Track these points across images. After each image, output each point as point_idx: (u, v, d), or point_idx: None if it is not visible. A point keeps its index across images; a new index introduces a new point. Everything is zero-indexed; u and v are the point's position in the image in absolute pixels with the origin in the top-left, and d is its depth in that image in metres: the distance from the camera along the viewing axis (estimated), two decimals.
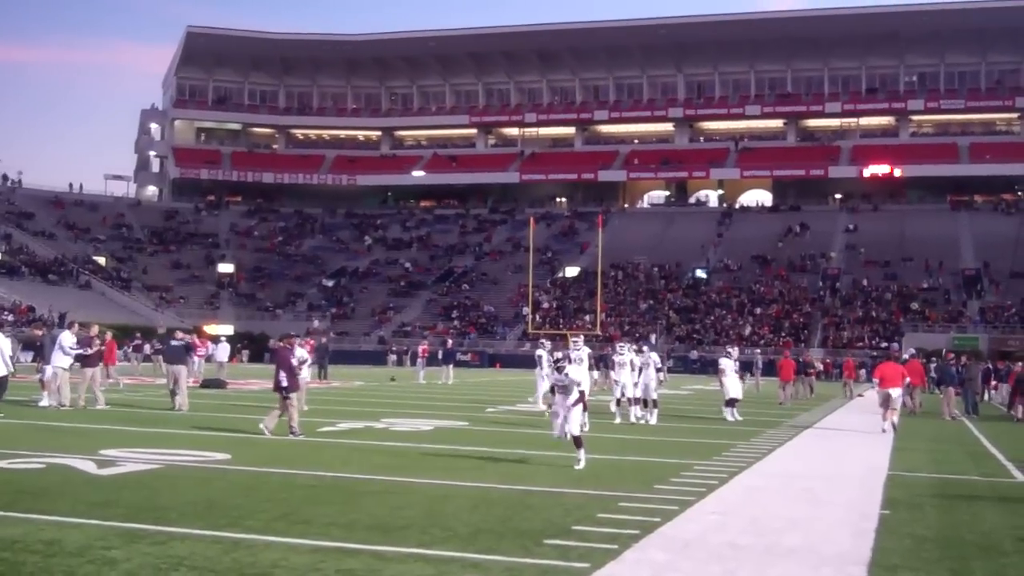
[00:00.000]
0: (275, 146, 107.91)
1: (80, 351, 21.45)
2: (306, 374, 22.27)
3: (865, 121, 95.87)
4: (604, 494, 10.87)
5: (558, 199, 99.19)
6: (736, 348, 28.65)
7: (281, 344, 18.02)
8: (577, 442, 13.42)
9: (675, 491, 11.14)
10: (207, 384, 31.47)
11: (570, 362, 15.65)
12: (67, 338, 21.27)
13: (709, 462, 14.19)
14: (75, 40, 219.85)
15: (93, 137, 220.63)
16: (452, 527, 8.78)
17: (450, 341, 51.64)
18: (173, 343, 22.92)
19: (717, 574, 7.26)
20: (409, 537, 8.25)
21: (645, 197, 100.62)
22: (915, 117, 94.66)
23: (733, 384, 23.47)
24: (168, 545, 7.67)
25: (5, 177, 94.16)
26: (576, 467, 13.05)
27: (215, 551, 7.53)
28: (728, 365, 23.66)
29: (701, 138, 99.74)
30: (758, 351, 50.04)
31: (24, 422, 18.21)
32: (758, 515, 9.82)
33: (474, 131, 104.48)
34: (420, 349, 47.80)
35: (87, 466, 12.08)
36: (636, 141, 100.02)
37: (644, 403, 21.74)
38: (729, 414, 22.99)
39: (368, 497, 10.47)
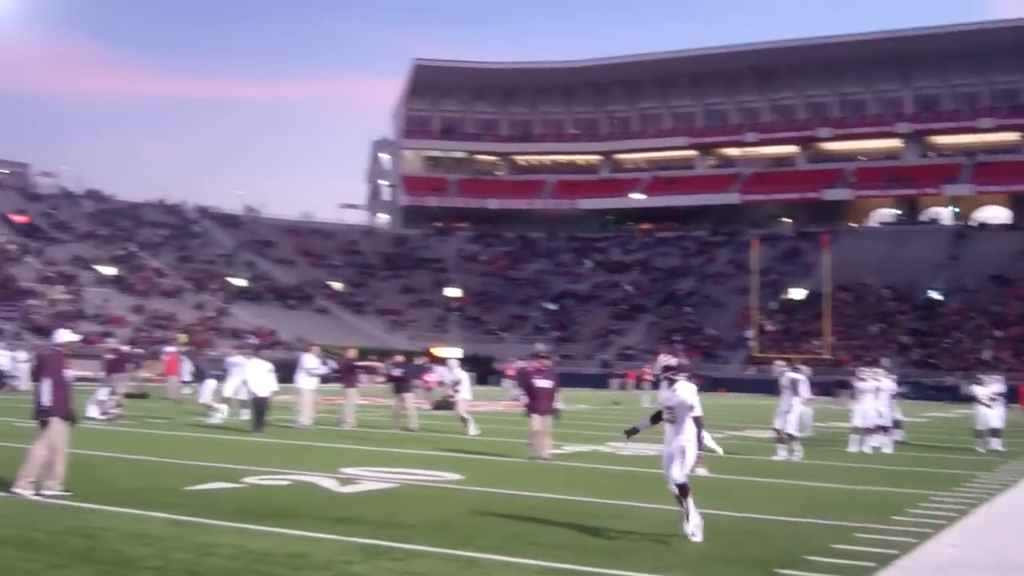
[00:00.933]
0: (498, 172, 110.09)
1: (322, 372, 22.58)
2: (466, 394, 22.74)
3: None
4: (839, 524, 10.65)
5: (781, 219, 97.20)
6: (988, 375, 26.66)
7: (525, 365, 18.46)
8: (683, 491, 9.65)
9: (913, 523, 10.80)
10: (439, 406, 32.32)
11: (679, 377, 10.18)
12: (309, 360, 22.39)
13: (949, 493, 13.66)
14: (311, 76, 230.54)
15: (328, 168, 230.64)
16: (683, 552, 8.81)
17: (648, 366, 51.06)
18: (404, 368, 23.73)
19: None
20: (641, 562, 8.33)
21: (873, 215, 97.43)
22: None
23: (989, 413, 22.26)
24: (407, 562, 7.99)
25: (249, 209, 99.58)
26: (691, 536, 9.43)
27: (451, 568, 7.81)
28: (981, 392, 22.60)
29: (931, 153, 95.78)
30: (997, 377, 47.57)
31: (273, 441, 19.23)
32: (998, 549, 9.44)
33: (693, 152, 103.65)
34: (643, 372, 47.69)
35: (329, 483, 12.68)
36: (862, 158, 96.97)
37: (884, 430, 21.07)
38: (979, 445, 21.91)
39: (597, 520, 10.59)
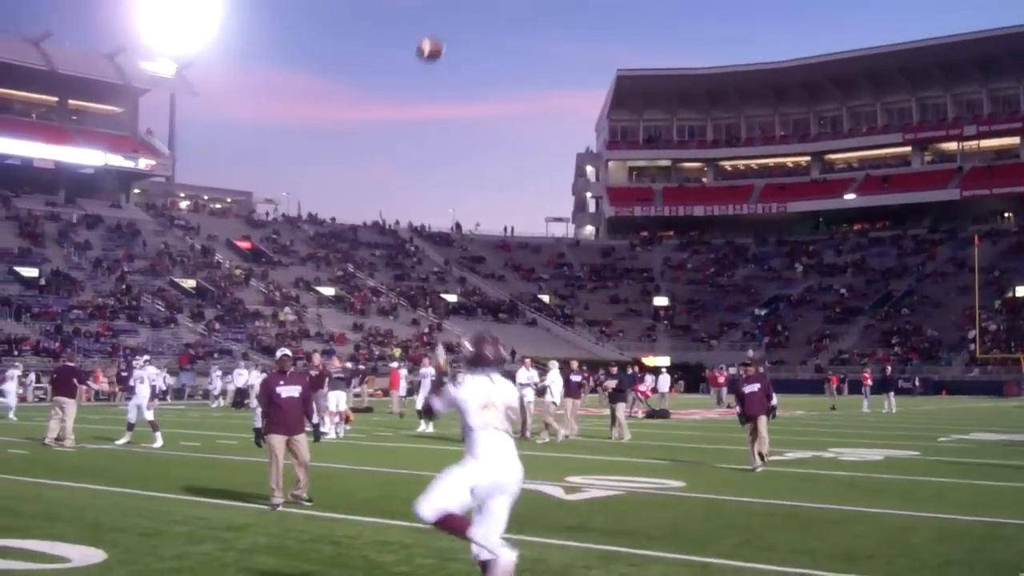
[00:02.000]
0: (704, 179, 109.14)
1: (532, 384, 22.98)
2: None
3: None
4: None
5: (1004, 214, 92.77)
6: None
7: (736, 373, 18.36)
8: None
9: None
10: (652, 415, 32.40)
11: None
12: (521, 374, 22.88)
13: None
14: (516, 93, 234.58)
15: (534, 182, 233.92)
16: (919, 557, 8.69)
17: (888, 368, 49.63)
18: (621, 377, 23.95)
19: None
20: (876, 567, 8.26)
21: None
22: None
23: None
24: (643, 567, 8.17)
25: (459, 226, 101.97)
26: None
27: (688, 573, 7.94)
28: None
29: None
30: None
31: None
32: None
33: (908, 149, 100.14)
34: (863, 376, 46.39)
35: (556, 491, 12.99)
36: None
37: None
38: None
39: (826, 525, 10.52)
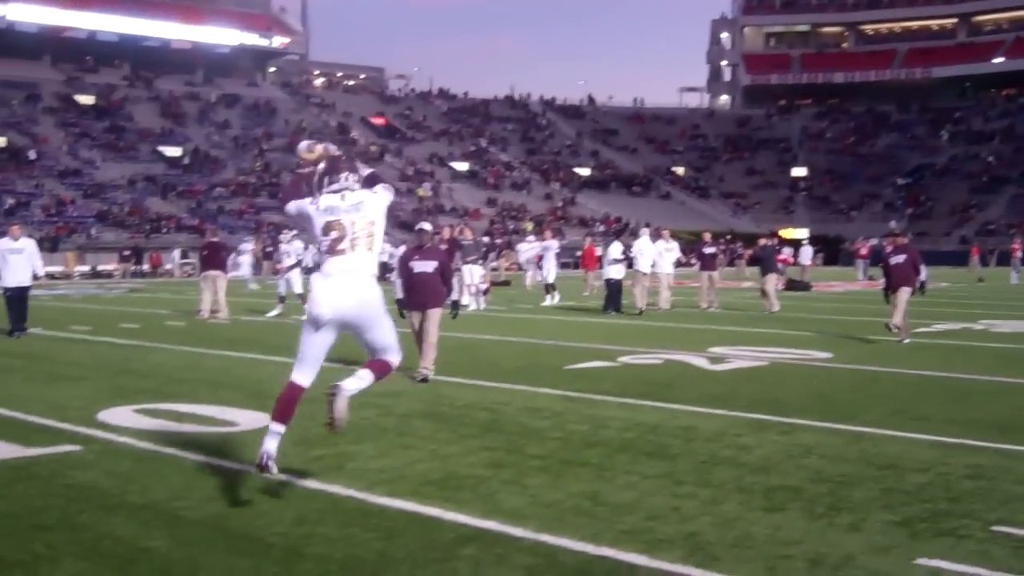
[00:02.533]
0: (844, 44, 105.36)
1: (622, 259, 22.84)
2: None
3: None
4: None
5: None
6: None
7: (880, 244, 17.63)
8: None
9: None
10: (792, 286, 32.01)
11: None
12: (615, 249, 22.70)
13: None
14: None
15: (667, 52, 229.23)
16: None
17: (1020, 240, 47.54)
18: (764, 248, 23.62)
19: None
20: None
21: None
22: None
23: None
24: (793, 435, 8.17)
25: (591, 98, 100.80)
26: None
27: (838, 442, 7.91)
28: None
29: None
30: None
31: (635, 323, 19.86)
32: None
33: None
34: (1012, 248, 44.88)
35: (700, 362, 13.03)
36: None
37: None
38: None
39: (980, 396, 10.35)
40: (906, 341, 15.47)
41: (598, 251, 29.06)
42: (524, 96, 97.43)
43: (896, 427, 8.47)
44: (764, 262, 22.96)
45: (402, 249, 12.29)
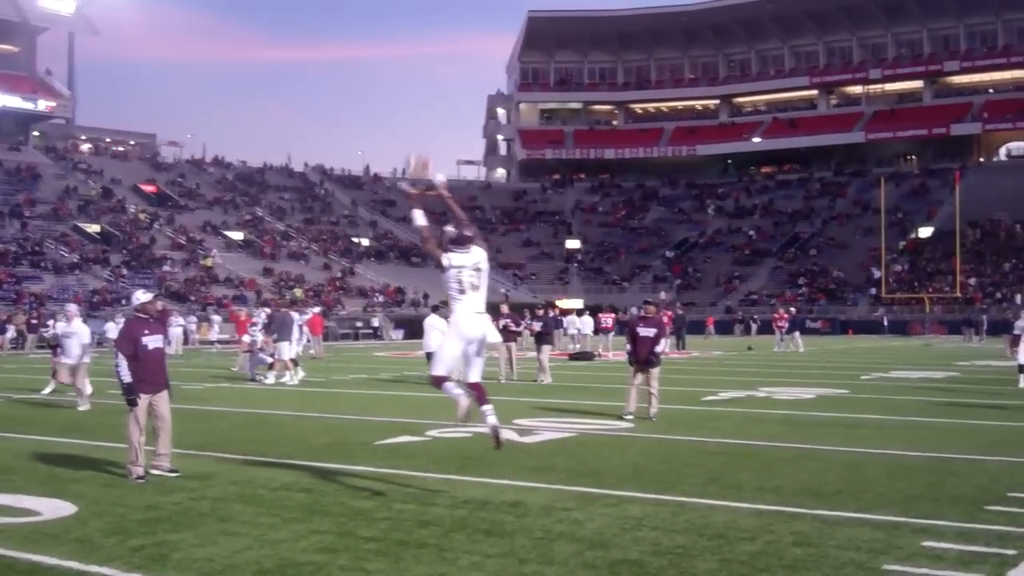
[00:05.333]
0: (615, 122, 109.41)
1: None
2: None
3: None
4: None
5: (907, 157, 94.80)
6: None
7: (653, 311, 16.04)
8: None
9: None
10: (576, 356, 32.62)
11: None
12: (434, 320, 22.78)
13: None
14: (426, 34, 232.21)
15: (446, 125, 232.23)
16: (882, 493, 8.88)
17: (793, 309, 50.18)
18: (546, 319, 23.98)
19: None
20: (845, 502, 8.42)
21: (1003, 150, 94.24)
22: None
23: None
24: (620, 507, 8.23)
25: (368, 169, 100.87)
26: None
27: (664, 512, 8.01)
28: None
29: None
30: None
31: (435, 395, 19.74)
32: None
33: (815, 92, 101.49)
34: (774, 317, 47.23)
35: (509, 434, 12.95)
36: (991, 91, 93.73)
37: None
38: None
39: (782, 463, 10.69)
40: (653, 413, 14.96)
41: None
42: (301, 166, 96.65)
43: (714, 496, 8.66)
44: (543, 334, 23.34)
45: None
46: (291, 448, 11.78)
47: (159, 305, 10.61)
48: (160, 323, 10.37)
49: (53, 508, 8.08)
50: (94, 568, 6.26)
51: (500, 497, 8.61)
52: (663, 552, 6.70)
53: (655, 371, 15.09)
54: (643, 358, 15.04)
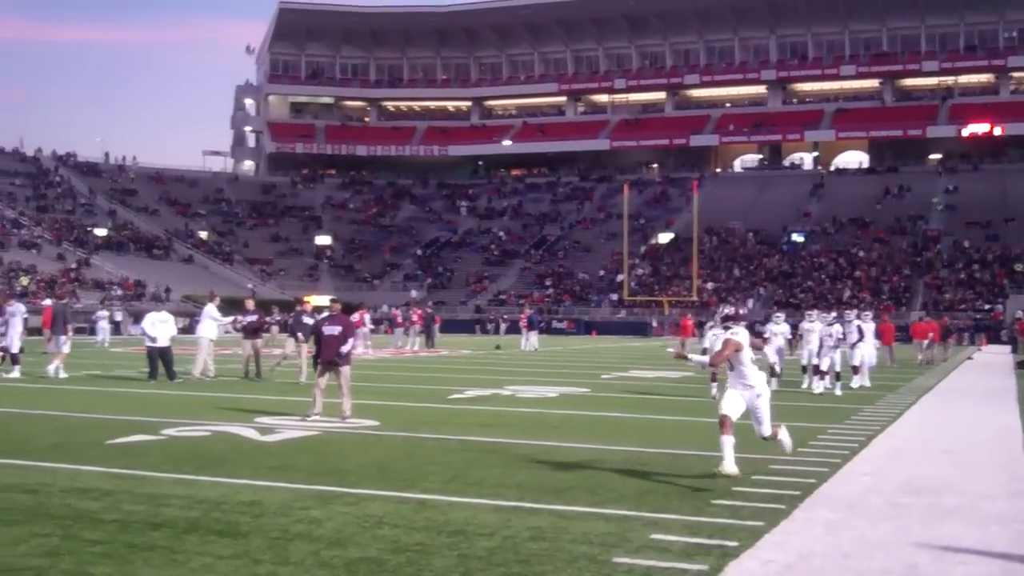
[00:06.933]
0: (367, 119, 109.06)
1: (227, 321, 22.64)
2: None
3: (964, 79, 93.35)
4: (750, 457, 11.12)
5: (649, 165, 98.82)
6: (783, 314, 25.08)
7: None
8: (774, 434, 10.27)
9: (819, 454, 11.39)
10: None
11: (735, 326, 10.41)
12: (212, 310, 22.41)
13: (841, 426, 14.38)
14: (172, 19, 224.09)
15: (191, 114, 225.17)
16: (616, 488, 9.15)
17: (528, 310, 51.21)
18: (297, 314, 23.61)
19: (891, 531, 7.52)
20: (580, 497, 8.64)
21: (738, 161, 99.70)
22: (1016, 74, 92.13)
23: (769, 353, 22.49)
24: (361, 505, 8.15)
25: (107, 156, 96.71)
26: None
27: (405, 510, 8.00)
28: (778, 331, 22.15)
29: (795, 100, 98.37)
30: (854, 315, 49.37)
31: (173, 393, 19.07)
32: (909, 476, 10.05)
33: (563, 99, 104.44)
34: (520, 316, 48.24)
35: (250, 433, 12.72)
36: (728, 105, 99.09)
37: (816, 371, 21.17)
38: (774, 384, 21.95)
39: (525, 460, 10.86)
40: (313, 417, 14.42)
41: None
42: (34, 150, 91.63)
43: (455, 493, 8.72)
44: (293, 328, 23.02)
45: None
46: (15, 448, 11.12)
47: None
48: None
49: None
50: None
51: (236, 497, 8.38)
52: (402, 549, 6.68)
53: (345, 370, 14.55)
54: (328, 358, 14.50)
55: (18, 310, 23.36)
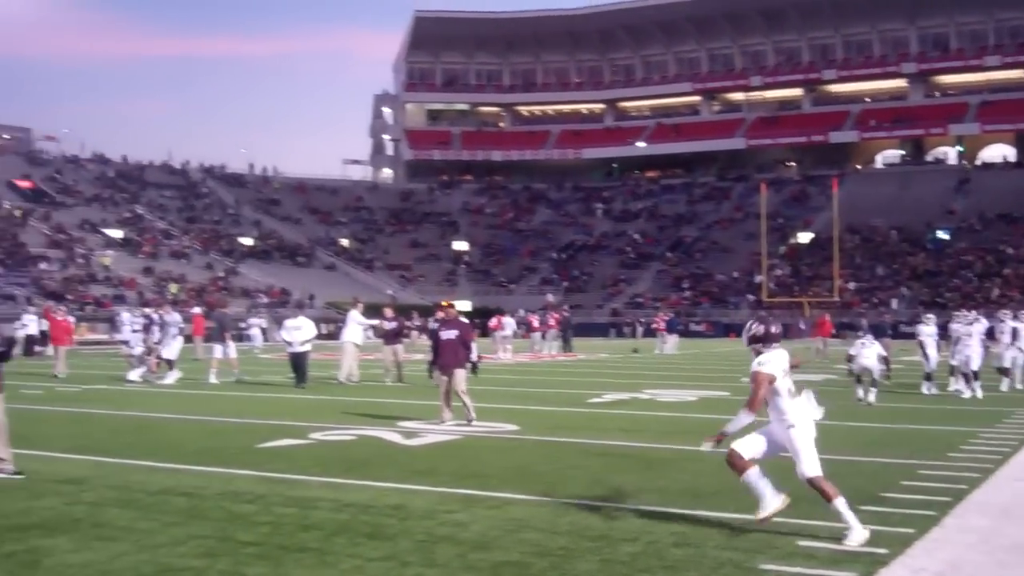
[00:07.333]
0: (502, 124, 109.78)
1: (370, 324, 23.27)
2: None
3: None
4: (899, 462, 10.91)
5: (787, 163, 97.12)
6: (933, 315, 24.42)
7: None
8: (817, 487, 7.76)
9: (970, 459, 11.06)
10: None
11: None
12: (357, 315, 23.01)
13: (993, 430, 13.93)
14: (311, 31, 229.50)
15: (331, 124, 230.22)
16: None
17: (662, 313, 50.54)
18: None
19: None
20: (723, 503, 8.57)
21: (879, 157, 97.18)
22: None
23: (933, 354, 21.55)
24: (504, 509, 8.25)
25: (252, 167, 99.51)
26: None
27: (547, 514, 8.06)
28: (927, 332, 21.78)
29: (937, 93, 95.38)
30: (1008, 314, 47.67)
31: (318, 397, 19.54)
32: None
33: (698, 98, 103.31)
34: (657, 320, 47.90)
35: (394, 437, 12.96)
36: (868, 100, 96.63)
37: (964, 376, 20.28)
38: (926, 388, 20.92)
39: (665, 464, 10.84)
40: (448, 423, 14.53)
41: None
42: (183, 163, 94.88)
43: (596, 497, 8.73)
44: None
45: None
46: (170, 452, 11.57)
47: None
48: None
49: None
50: None
51: (383, 500, 8.56)
52: (545, 553, 6.74)
53: (460, 374, 14.51)
54: (447, 363, 14.49)
55: (174, 319, 24.28)
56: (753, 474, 7.85)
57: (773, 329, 8.03)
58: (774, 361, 7.99)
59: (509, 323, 39.95)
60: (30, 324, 36.99)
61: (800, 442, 7.87)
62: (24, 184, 77.41)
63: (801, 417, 7.96)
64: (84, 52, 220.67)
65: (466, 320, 16.12)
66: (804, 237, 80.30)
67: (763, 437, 8.05)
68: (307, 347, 22.12)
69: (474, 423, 14.30)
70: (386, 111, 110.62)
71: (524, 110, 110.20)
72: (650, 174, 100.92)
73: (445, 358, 14.56)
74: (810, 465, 7.76)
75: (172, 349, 23.69)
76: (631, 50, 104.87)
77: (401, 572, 6.27)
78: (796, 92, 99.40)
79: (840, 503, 7.39)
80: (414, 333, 33.54)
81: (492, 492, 8.96)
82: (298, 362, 21.96)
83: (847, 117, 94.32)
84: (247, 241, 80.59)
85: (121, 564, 6.38)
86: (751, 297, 72.34)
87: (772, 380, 7.91)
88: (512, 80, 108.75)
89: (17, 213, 70.97)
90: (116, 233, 73.57)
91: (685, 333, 61.49)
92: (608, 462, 11.01)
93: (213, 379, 22.84)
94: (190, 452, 11.59)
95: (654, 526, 7.65)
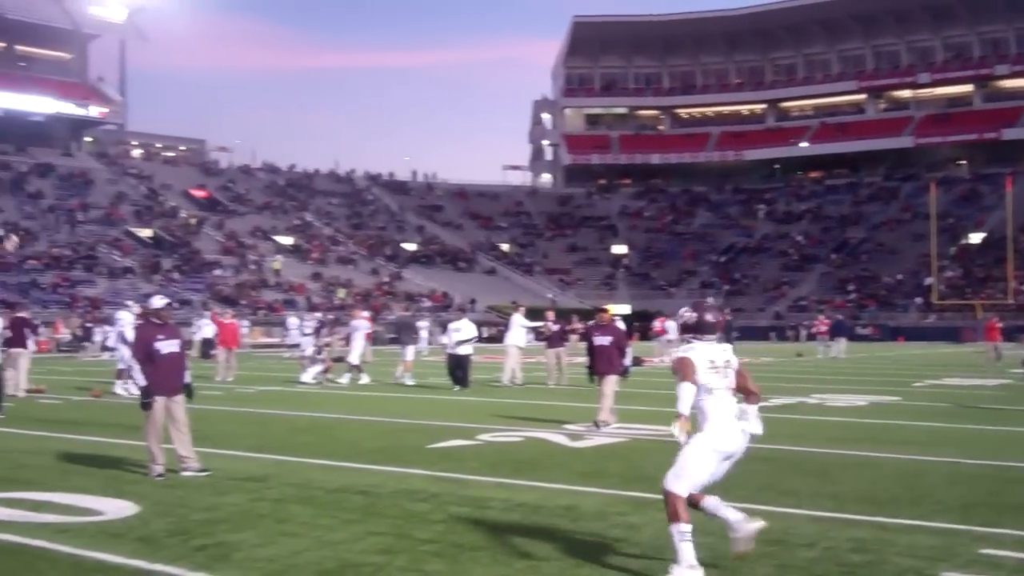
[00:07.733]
0: (661, 127, 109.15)
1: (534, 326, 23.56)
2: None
3: None
4: None
5: (958, 162, 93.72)
6: None
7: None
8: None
9: None
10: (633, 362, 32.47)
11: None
12: (519, 319, 23.29)
13: None
14: (470, 41, 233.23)
15: (490, 130, 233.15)
16: (941, 500, 8.80)
17: (823, 317, 49.33)
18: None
19: None
20: (902, 509, 8.36)
21: None
22: None
23: None
24: None
25: (415, 174, 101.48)
26: None
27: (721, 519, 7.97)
28: None
29: None
30: None
31: (483, 399, 19.79)
32: None
33: (863, 96, 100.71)
34: (817, 323, 46.74)
35: (560, 439, 13.04)
36: None
37: None
38: None
39: (839, 470, 10.62)
40: (611, 425, 14.33)
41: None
42: (349, 171, 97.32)
43: (769, 502, 8.61)
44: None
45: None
46: (346, 451, 11.90)
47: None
48: (174, 328, 10.50)
49: (116, 508, 8.21)
50: (160, 567, 6.38)
51: (554, 501, 8.63)
52: (720, 557, 6.69)
53: (610, 378, 14.42)
54: (602, 369, 14.45)
55: (362, 324, 24.92)
56: (687, 527, 6.47)
57: (708, 318, 6.74)
58: (700, 350, 6.70)
59: (672, 327, 39.60)
60: (205, 328, 38.28)
61: (693, 449, 6.78)
62: (199, 193, 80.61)
63: (713, 423, 6.87)
64: (255, 66, 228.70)
65: (622, 325, 16.05)
66: (976, 237, 77.49)
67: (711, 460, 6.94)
68: (468, 349, 22.41)
69: (605, 429, 14.11)
70: (545, 117, 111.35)
71: (683, 112, 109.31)
72: (813, 175, 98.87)
73: (600, 364, 14.57)
74: (678, 477, 6.71)
75: (355, 353, 24.32)
76: (792, 49, 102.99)
77: (575, 573, 6.31)
78: (966, 88, 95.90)
79: (679, 528, 6.36)
80: (574, 336, 33.56)
81: (661, 496, 8.91)
82: (459, 364, 22.27)
83: (1020, 113, 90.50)
84: (410, 246, 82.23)
85: (304, 559, 6.60)
86: (919, 300, 70.15)
87: (694, 370, 6.61)
88: (671, 82, 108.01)
89: (193, 221, 73.91)
90: (286, 240, 76.00)
91: (852, 337, 60.04)
92: (777, 467, 10.83)
93: (408, 380, 23.68)
94: (365, 451, 11.89)
95: (831, 531, 7.52)
